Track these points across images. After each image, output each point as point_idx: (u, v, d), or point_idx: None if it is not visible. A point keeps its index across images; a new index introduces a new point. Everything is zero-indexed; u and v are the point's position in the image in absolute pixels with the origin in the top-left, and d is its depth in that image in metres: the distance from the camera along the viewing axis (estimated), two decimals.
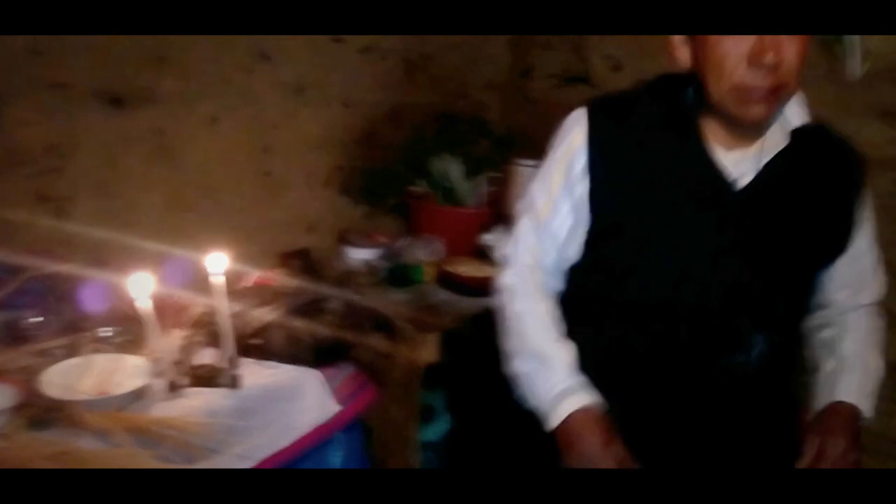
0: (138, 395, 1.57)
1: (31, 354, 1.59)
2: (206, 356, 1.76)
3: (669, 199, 1.28)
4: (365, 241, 2.49)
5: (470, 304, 2.34)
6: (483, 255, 2.52)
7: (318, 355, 1.86)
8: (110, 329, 1.71)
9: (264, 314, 1.87)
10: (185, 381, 1.67)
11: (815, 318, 1.48)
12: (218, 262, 1.70)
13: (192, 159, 2.27)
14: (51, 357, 1.60)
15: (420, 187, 2.63)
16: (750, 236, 1.28)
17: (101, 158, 2.15)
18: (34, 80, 2.00)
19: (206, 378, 1.69)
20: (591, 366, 1.32)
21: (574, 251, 1.37)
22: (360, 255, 2.44)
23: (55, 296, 1.76)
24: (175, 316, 1.79)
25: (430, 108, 2.77)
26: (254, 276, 2.01)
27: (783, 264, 1.31)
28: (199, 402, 1.63)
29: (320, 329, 1.89)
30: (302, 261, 2.08)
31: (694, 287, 1.28)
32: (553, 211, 1.37)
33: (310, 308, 1.92)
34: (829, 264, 1.38)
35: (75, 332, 1.69)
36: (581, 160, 1.31)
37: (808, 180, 1.30)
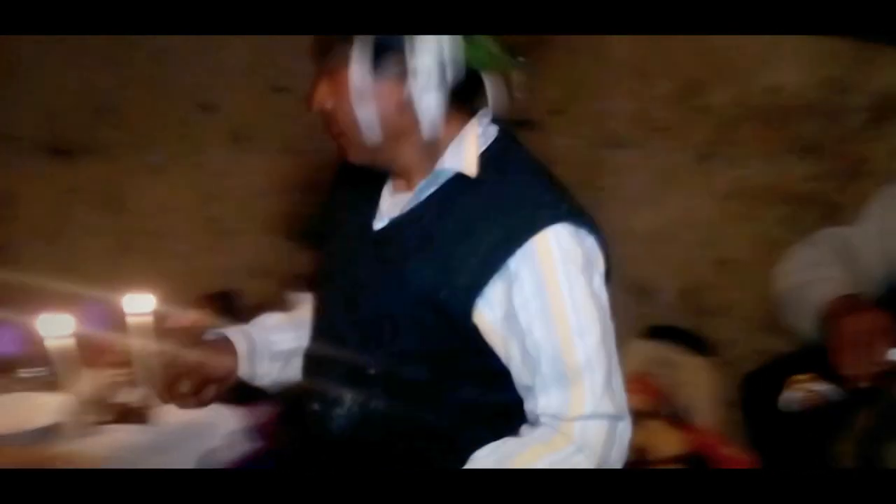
0: (51, 431, 1.63)
1: None
2: (130, 394, 1.82)
3: (342, 239, 1.25)
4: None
5: None
6: None
7: (240, 394, 1.91)
8: (33, 369, 1.78)
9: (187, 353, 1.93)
10: (102, 418, 1.72)
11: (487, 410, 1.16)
12: (137, 302, 1.79)
13: (136, 206, 2.37)
14: None
15: None
16: (360, 282, 1.18)
17: (47, 207, 2.25)
18: None
19: (121, 415, 1.74)
20: None
21: None
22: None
23: None
24: (100, 355, 1.85)
25: None
26: (182, 317, 2.07)
27: (380, 313, 1.15)
28: (114, 438, 1.69)
29: None
30: (223, 302, 2.14)
31: (320, 332, 1.25)
32: None
33: None
34: (439, 325, 1.11)
35: None
36: None
37: (443, 227, 1.12)
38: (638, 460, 2.30)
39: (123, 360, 1.89)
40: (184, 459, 1.74)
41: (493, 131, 1.17)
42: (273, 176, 2.65)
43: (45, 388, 1.76)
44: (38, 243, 2.24)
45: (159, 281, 1.86)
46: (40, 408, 1.67)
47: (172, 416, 1.79)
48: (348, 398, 1.17)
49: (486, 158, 1.13)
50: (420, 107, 1.09)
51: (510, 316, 1.08)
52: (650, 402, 2.54)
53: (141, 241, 2.38)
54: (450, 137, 1.14)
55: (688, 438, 2.37)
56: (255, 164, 2.59)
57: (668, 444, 2.40)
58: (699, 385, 2.54)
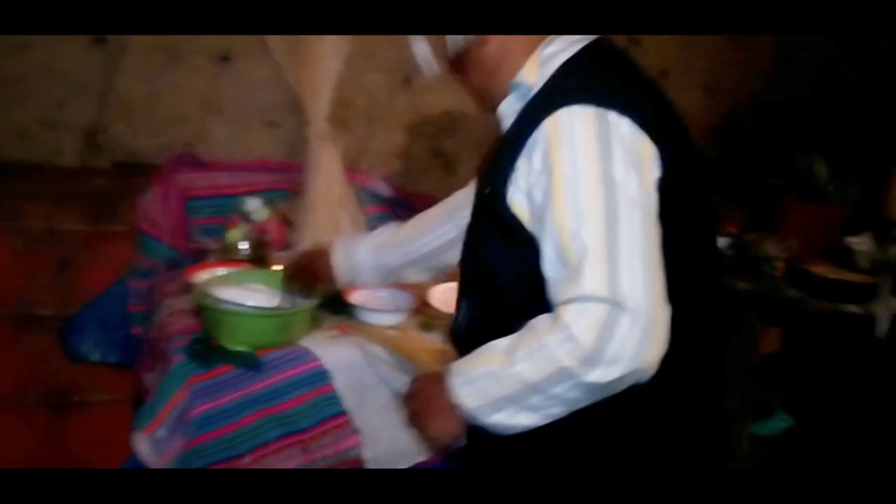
0: None
1: None
2: None
3: None
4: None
5: (820, 305, 2.29)
6: (842, 257, 2.41)
7: None
8: None
9: None
10: None
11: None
12: None
13: None
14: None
15: (778, 181, 2.56)
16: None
17: (484, 123, 2.45)
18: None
19: None
20: None
21: None
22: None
23: None
24: None
25: (799, 101, 2.68)
26: None
27: (469, 231, 1.23)
28: None
29: None
30: None
31: None
32: None
33: None
34: (485, 232, 1.16)
35: None
36: None
37: (503, 146, 1.14)
38: None
39: None
40: None
41: (572, 47, 1.14)
42: (688, 114, 2.61)
43: None
44: (474, 155, 2.45)
45: None
46: None
47: None
48: (462, 303, 1.24)
49: (559, 70, 1.12)
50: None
51: (531, 198, 1.05)
52: None
53: None
54: (522, 62, 1.16)
55: None
56: (674, 101, 2.57)
57: None
58: None
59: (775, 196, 2.56)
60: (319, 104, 2.18)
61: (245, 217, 2.08)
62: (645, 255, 0.97)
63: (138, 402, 1.81)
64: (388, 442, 1.61)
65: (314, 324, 1.70)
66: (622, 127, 1.01)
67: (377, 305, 1.77)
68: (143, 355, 1.84)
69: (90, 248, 2.09)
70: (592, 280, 0.94)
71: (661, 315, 0.95)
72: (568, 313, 0.95)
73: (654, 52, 2.54)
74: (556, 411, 1.01)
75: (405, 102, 2.35)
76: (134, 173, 2.16)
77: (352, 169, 2.23)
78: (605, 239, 0.96)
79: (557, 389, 0.98)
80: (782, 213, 2.52)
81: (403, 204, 2.21)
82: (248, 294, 1.65)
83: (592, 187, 0.98)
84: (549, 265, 1.01)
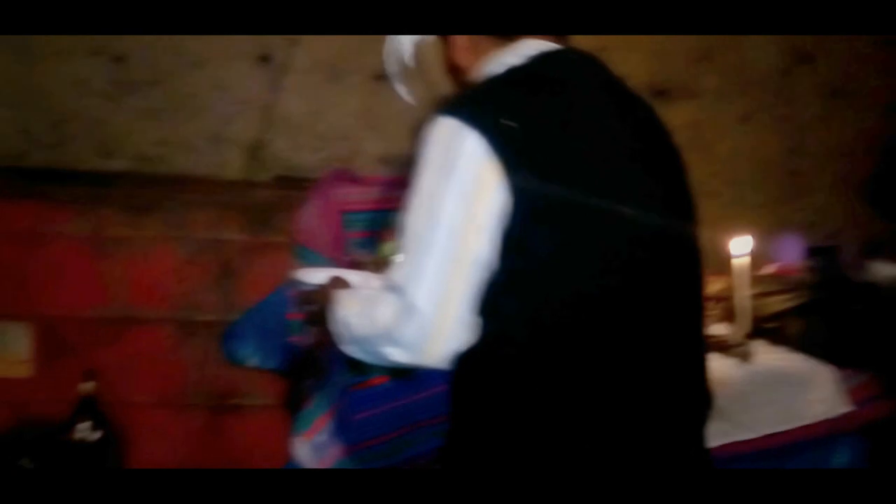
0: None
1: None
2: (719, 329, 1.83)
3: None
4: (892, 256, 2.31)
5: None
6: None
7: (833, 353, 1.80)
8: None
9: (783, 302, 1.87)
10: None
11: None
12: (742, 245, 1.79)
13: (720, 152, 2.38)
14: None
15: None
16: None
17: None
18: None
19: (718, 347, 1.76)
20: None
21: None
22: (885, 270, 2.26)
23: None
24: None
25: None
26: (775, 265, 2.03)
27: None
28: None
29: (840, 328, 1.83)
30: (827, 258, 2.03)
31: None
32: None
33: (831, 305, 1.87)
34: None
35: None
36: None
37: None
38: None
39: (717, 297, 1.92)
40: (774, 400, 1.70)
41: (527, 53, 1.16)
42: (866, 134, 2.45)
43: None
44: None
45: (735, 226, 1.84)
46: None
47: (764, 358, 1.77)
48: None
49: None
50: None
51: None
52: None
53: (720, 186, 2.39)
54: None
55: None
56: (848, 120, 2.42)
57: None
58: None
59: None
60: None
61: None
62: (445, 270, 1.06)
63: (293, 408, 1.84)
64: None
65: None
66: (471, 145, 1.05)
67: None
68: (301, 363, 1.88)
69: (251, 257, 2.17)
70: (402, 276, 1.08)
71: (445, 325, 1.07)
72: (384, 295, 1.11)
73: (825, 70, 2.40)
74: (374, 362, 1.18)
75: None
76: (293, 187, 2.23)
77: None
78: (418, 247, 1.07)
79: (370, 347, 1.15)
80: None
81: None
82: None
83: (423, 201, 1.08)
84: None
